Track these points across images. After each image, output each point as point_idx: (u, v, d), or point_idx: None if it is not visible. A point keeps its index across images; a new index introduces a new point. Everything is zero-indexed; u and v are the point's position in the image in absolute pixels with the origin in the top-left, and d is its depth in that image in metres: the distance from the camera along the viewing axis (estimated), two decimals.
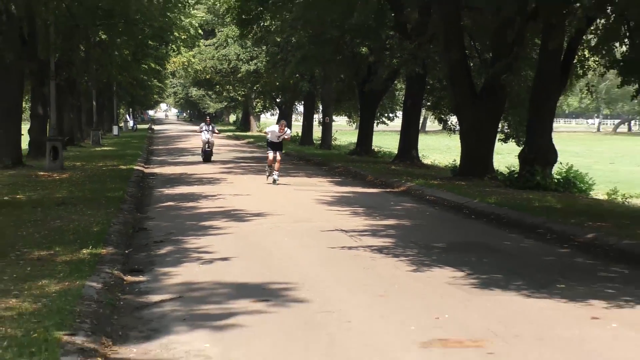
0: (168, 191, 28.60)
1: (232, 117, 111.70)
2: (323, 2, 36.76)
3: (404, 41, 36.80)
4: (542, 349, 8.98)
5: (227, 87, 79.69)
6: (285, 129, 31.39)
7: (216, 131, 42.24)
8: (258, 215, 21.29)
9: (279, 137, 28.06)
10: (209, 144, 40.73)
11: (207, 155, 41.06)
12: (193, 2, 45.38)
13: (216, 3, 44.83)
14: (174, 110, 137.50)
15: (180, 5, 43.44)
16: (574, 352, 8.95)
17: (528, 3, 27.00)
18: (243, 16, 44.65)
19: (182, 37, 52.66)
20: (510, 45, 30.48)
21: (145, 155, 49.74)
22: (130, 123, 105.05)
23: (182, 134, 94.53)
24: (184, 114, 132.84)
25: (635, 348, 9.21)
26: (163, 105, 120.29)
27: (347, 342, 9.20)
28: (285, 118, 59.35)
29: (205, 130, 42.25)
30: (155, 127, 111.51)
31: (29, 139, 39.08)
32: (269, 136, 29.77)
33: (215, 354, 8.49)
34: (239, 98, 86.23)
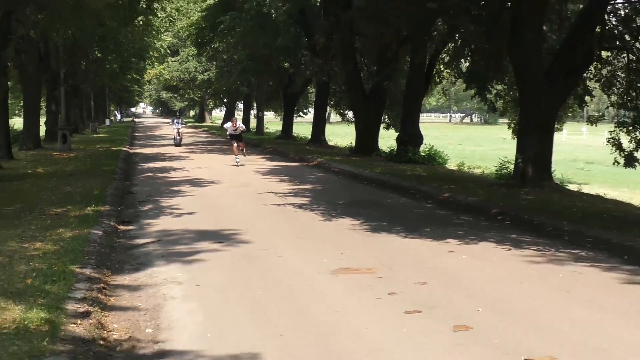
0: (147, 165, 28.87)
1: (192, 112, 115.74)
2: (256, 31, 40.21)
3: (314, 58, 38.66)
4: (416, 273, 9.89)
5: (188, 90, 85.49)
6: (237, 124, 31.25)
7: (183, 124, 44.84)
8: (212, 182, 22.20)
9: (235, 130, 28.36)
10: (179, 133, 42.43)
11: (177, 142, 42.30)
12: (163, 29, 49.36)
13: (180, 30, 48.85)
14: (150, 108, 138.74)
15: (154, 32, 49.45)
16: (438, 274, 9.91)
17: (401, 32, 28.58)
18: (199, 40, 50.15)
19: (155, 55, 59.49)
20: (389, 61, 32.69)
21: (130, 140, 49.77)
22: (118, 117, 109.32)
23: (156, 125, 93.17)
24: (157, 110, 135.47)
25: (478, 270, 10.26)
26: (142, 104, 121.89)
27: (278, 270, 10.20)
28: (229, 114, 74.62)
29: (176, 122, 43.89)
30: (136, 120, 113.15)
31: (45, 129, 41.18)
32: (228, 131, 30.00)
33: (185, 279, 9.50)
34: (196, 99, 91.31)
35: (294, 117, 57.77)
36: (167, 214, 15.57)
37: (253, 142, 48.33)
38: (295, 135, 54.96)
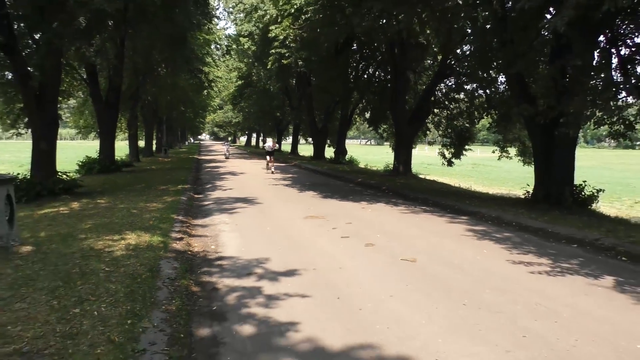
0: (207, 165, 28.50)
1: (229, 138, 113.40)
2: (262, 97, 39.50)
3: (292, 111, 38.50)
4: (346, 218, 9.83)
5: (227, 127, 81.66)
6: (275, 144, 26.88)
7: (230, 144, 37.17)
8: (242, 173, 21.76)
9: (272, 148, 22.76)
10: (228, 152, 36.19)
11: (227, 156, 35.36)
12: (215, 96, 47.34)
13: (224, 96, 46.23)
14: (208, 136, 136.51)
15: (211, 99, 46.54)
16: (357, 219, 9.83)
17: (336, 98, 28.51)
18: (234, 102, 47.11)
19: (211, 109, 57.09)
20: (331, 111, 32.05)
21: (198, 152, 49.21)
22: (191, 140, 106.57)
23: (211, 144, 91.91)
24: (212, 137, 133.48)
25: (377, 216, 10.16)
26: (203, 134, 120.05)
27: (277, 217, 10.12)
28: (249, 139, 72.62)
29: (226, 144, 38.47)
30: (201, 142, 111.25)
31: (155, 146, 39.65)
32: (266, 148, 23.30)
33: (230, 222, 9.44)
34: (231, 131, 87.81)
35: (282, 140, 57.36)
36: (218, 189, 15.31)
37: (261, 153, 47.98)
38: (282, 150, 54.68)
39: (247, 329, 4.31)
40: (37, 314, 4.21)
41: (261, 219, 9.87)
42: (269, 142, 23.19)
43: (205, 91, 35.52)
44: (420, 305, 4.88)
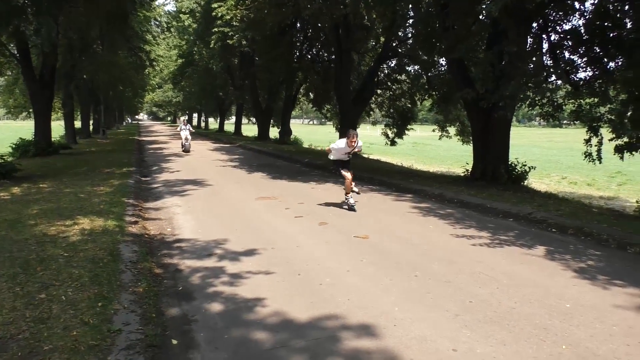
0: (150, 146, 27.94)
1: (169, 118, 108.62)
2: (204, 76, 38.08)
3: (235, 91, 37.96)
4: (298, 198, 10.09)
5: (167, 107, 78.74)
6: (357, 140, 9.53)
7: (191, 130, 24.57)
8: (187, 155, 21.54)
9: (350, 152, 9.69)
10: (186, 139, 23.85)
11: (186, 149, 23.69)
12: (153, 75, 44.92)
13: (163, 70, 44.06)
14: (146, 116, 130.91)
15: (150, 78, 44.01)
16: (308, 198, 10.10)
17: (280, 78, 28.50)
18: (174, 81, 44.84)
19: (150, 88, 53.23)
20: (275, 91, 31.83)
21: (138, 133, 47.71)
22: (129, 120, 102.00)
23: (150, 125, 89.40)
24: (150, 117, 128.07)
25: (327, 195, 10.44)
26: (141, 114, 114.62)
27: (229, 199, 10.25)
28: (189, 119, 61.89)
29: (184, 129, 24.55)
30: (140, 122, 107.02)
31: (92, 127, 38.01)
32: (334, 155, 9.72)
33: (182, 204, 9.47)
34: (172, 111, 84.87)
35: (225, 120, 56.39)
36: (165, 171, 15.16)
37: (203, 134, 47.17)
38: (225, 130, 53.85)
39: (216, 307, 4.51)
40: (2, 301, 4.21)
41: (214, 201, 9.95)
42: (343, 143, 9.15)
43: (147, 70, 34.28)
44: (376, 278, 5.25)
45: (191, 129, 23.47)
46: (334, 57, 23.53)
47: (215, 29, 24.61)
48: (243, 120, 46.75)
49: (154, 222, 8.05)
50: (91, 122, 38.37)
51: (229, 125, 56.90)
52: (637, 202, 9.86)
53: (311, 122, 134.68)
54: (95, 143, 28.44)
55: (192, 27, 33.60)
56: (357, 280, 5.19)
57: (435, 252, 6.30)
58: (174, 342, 3.85)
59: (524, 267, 5.72)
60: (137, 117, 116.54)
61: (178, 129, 23.26)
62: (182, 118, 28.65)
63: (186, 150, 22.73)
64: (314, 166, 17.12)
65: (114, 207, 8.30)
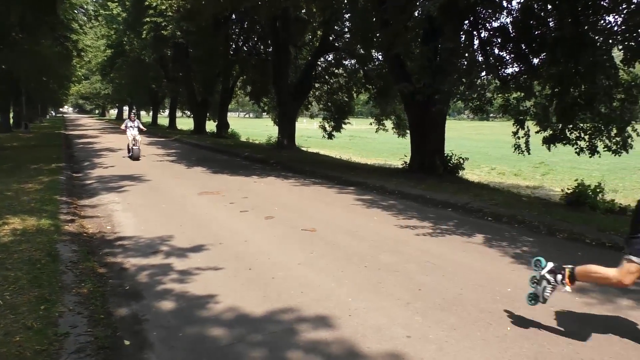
0: (79, 140, 26.50)
1: (97, 111, 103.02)
2: (136, 67, 36.08)
3: (169, 84, 36.86)
4: (241, 193, 9.99)
5: (95, 99, 74.86)
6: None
7: (143, 128, 18.61)
8: (120, 149, 20.32)
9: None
10: (135, 141, 17.35)
11: (134, 155, 16.92)
12: (79, 66, 41.44)
13: (91, 62, 41.49)
14: (71, 109, 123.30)
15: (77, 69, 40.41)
16: (252, 193, 10.00)
17: (217, 70, 27.87)
18: (103, 72, 42.73)
19: (75, 79, 48.65)
20: (211, 84, 30.54)
21: (64, 126, 45.08)
22: (53, 113, 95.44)
23: (77, 118, 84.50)
24: (76, 110, 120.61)
25: (271, 190, 10.45)
26: (66, 106, 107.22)
27: (170, 194, 9.98)
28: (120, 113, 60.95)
29: (131, 127, 17.84)
30: (65, 115, 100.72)
31: (13, 121, 35.31)
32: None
33: (121, 200, 9.12)
34: (100, 104, 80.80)
35: (158, 113, 54.46)
36: (98, 167, 14.56)
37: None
38: (159, 124, 52.08)
39: (167, 305, 4.39)
40: None
41: (154, 197, 9.65)
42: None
43: (74, 61, 32.42)
44: (327, 271, 5.30)
45: (142, 126, 17.47)
46: (271, 50, 23.40)
47: (147, 19, 23.74)
48: (177, 114, 45.42)
49: (92, 220, 7.70)
50: (11, 115, 35.87)
51: (163, 119, 55.10)
52: (562, 190, 10.54)
53: (247, 115, 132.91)
54: (18, 137, 26.60)
55: (121, 16, 32.17)
56: (309, 272, 5.22)
57: (382, 243, 6.45)
58: (127, 342, 3.71)
59: (466, 255, 5.98)
60: (61, 110, 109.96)
61: (122, 126, 16.84)
62: (130, 112, 16.91)
63: (135, 157, 16.26)
64: (254, 160, 17.00)
65: (46, 205, 7.86)
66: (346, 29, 20.99)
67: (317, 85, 24.81)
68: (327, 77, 24.29)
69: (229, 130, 31.36)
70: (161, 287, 4.82)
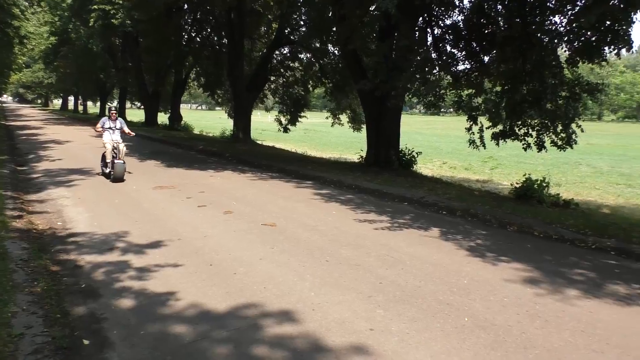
0: (21, 132, 25.17)
1: (39, 101, 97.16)
2: (83, 57, 34.64)
3: (118, 74, 35.52)
4: (198, 187, 9.82)
5: (37, 89, 70.71)
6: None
7: (129, 132, 11.45)
8: (67, 141, 19.66)
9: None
10: (117, 150, 10.60)
11: (117, 172, 10.28)
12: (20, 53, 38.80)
13: (34, 49, 38.89)
14: (10, 98, 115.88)
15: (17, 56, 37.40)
16: (209, 187, 9.85)
17: (167, 61, 27.24)
18: (47, 60, 40.54)
19: (16, 67, 45.42)
20: (163, 75, 29.92)
21: (4, 117, 42.32)
22: None
23: (17, 108, 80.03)
24: (16, 99, 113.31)
25: (228, 184, 10.33)
26: (5, 95, 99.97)
27: (123, 189, 9.69)
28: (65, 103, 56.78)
29: (110, 128, 11.02)
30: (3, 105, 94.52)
31: None
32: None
33: (71, 195, 8.77)
34: (43, 93, 76.33)
35: (106, 104, 52.28)
36: (45, 160, 13.86)
37: (82, 119, 43.60)
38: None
39: (126, 303, 4.30)
40: None
41: (106, 191, 9.36)
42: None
43: (16, 48, 30.71)
44: (289, 265, 5.33)
45: (128, 129, 11.50)
46: (225, 41, 23.05)
47: (95, 6, 22.90)
48: (127, 105, 43.96)
49: (41, 215, 7.39)
50: None
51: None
52: (510, 184, 10.97)
53: (200, 107, 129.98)
54: None
55: (66, 2, 30.81)
56: (271, 268, 5.23)
57: (342, 237, 6.53)
58: (86, 342, 3.62)
59: (423, 248, 6.15)
60: (0, 99, 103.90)
61: (98, 127, 11.21)
62: (110, 106, 13.45)
63: (118, 176, 10.42)
64: (210, 153, 16.75)
65: None
66: (302, 23, 20.94)
67: (272, 78, 24.64)
68: (282, 70, 24.16)
69: (182, 122, 30.68)
70: (119, 284, 4.71)
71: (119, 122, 11.23)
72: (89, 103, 68.47)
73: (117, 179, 10.34)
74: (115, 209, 7.88)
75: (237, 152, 16.22)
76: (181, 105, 34.48)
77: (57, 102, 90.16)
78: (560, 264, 5.70)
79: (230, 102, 27.16)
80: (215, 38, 26.64)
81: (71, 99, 70.39)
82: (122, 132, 11.20)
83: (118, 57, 35.32)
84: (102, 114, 48.15)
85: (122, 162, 10.47)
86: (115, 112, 11.54)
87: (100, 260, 5.36)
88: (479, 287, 4.88)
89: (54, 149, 16.94)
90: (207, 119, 56.29)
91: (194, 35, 27.78)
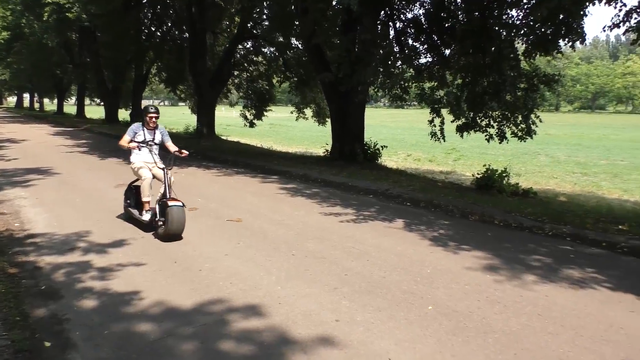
0: None
1: None
2: (37, 52, 33.12)
3: (75, 69, 34.52)
4: (159, 184, 10.08)
5: None
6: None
7: (181, 151, 6.63)
8: (23, 140, 19.10)
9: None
10: (165, 182, 6.12)
11: (175, 222, 5.76)
12: None
13: None
14: None
15: None
16: (174, 184, 10.15)
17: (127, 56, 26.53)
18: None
19: None
20: (122, 71, 29.25)
21: None
22: None
23: None
24: None
25: (193, 180, 10.08)
26: None
27: (83, 187, 9.52)
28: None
29: (147, 143, 6.45)
30: None
31: None
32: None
33: (28, 196, 8.52)
34: None
35: (64, 101, 50.66)
36: (0, 159, 13.33)
37: (40, 116, 42.18)
38: (65, 112, 48.36)
39: (89, 303, 4.23)
40: None
41: (66, 191, 9.13)
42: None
43: None
44: (255, 260, 5.35)
45: (172, 144, 6.95)
46: (187, 36, 22.69)
47: (48, 0, 22.16)
48: (86, 102, 42.68)
49: None
50: None
51: (70, 107, 51.60)
52: (472, 175, 11.24)
53: (162, 103, 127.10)
54: None
55: None
56: (236, 263, 5.24)
57: (308, 230, 6.58)
58: (47, 344, 3.55)
59: (387, 240, 6.26)
60: None
61: (126, 140, 6.61)
62: (147, 106, 6.97)
63: (176, 229, 5.94)
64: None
65: None
66: (265, 17, 20.80)
67: (236, 72, 24.42)
68: (246, 64, 23.98)
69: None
70: (81, 285, 4.63)
71: (160, 133, 6.78)
72: (46, 100, 66.24)
73: (175, 233, 5.94)
74: (75, 209, 7.71)
75: (202, 148, 16.02)
76: (143, 102, 33.74)
77: (12, 100, 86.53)
78: (519, 251, 5.91)
79: (193, 97, 26.79)
80: (177, 32, 26.19)
81: (26, 96, 67.82)
82: (164, 149, 6.84)
83: (75, 52, 34.28)
84: (60, 111, 46.60)
85: (180, 203, 5.94)
86: (156, 114, 6.65)
87: (60, 261, 5.25)
88: (441, 275, 5.02)
89: (9, 148, 16.35)
90: (171, 115, 55.25)
91: (154, 29, 27.25)
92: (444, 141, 11.79)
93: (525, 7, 10.90)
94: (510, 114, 11.44)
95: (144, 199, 6.58)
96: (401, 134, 36.00)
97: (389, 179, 10.48)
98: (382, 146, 14.07)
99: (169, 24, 26.48)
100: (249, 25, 21.04)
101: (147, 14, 26.58)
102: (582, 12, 10.07)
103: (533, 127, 11.33)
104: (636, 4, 9.37)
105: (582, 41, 10.57)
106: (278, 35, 19.57)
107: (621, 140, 32.42)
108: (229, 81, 23.50)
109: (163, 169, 6.47)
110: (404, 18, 13.96)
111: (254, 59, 23.54)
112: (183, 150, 6.83)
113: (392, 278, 4.90)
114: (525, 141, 11.40)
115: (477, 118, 11.86)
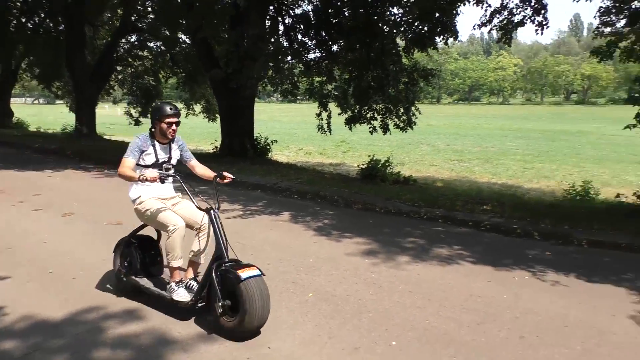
0: None
1: None
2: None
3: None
4: (32, 190, 8.83)
5: None
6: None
7: (228, 176, 4.14)
8: None
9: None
10: (227, 243, 3.79)
11: (255, 313, 3.34)
12: None
13: None
14: None
15: None
16: (47, 188, 8.92)
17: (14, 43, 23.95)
18: None
19: None
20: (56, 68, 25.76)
21: None
22: None
23: None
24: None
25: (68, 184, 9.44)
26: None
27: None
28: None
29: (163, 165, 4.13)
30: None
31: None
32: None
33: None
34: None
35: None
36: None
37: None
38: None
39: None
40: None
41: None
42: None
43: None
44: None
45: (205, 169, 4.64)
46: (62, 28, 21.07)
47: None
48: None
49: None
50: None
51: None
52: (358, 166, 11.71)
53: (37, 102, 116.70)
54: None
55: None
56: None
57: None
58: None
59: (274, 233, 6.35)
60: None
61: (128, 167, 4.25)
62: (163, 110, 3.93)
63: (259, 322, 3.51)
64: (47, 152, 15.25)
65: None
66: (150, 10, 19.90)
67: (119, 68, 23.16)
68: (130, 59, 22.81)
69: (14, 119, 27.30)
70: None
71: (178, 148, 4.49)
72: None
73: (259, 325, 3.59)
74: None
75: (81, 149, 14.97)
76: (13, 100, 30.77)
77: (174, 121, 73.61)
78: (396, 234, 6.30)
79: (71, 94, 24.94)
80: (52, 24, 24.16)
81: None
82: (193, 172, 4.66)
83: None
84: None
85: (257, 271, 3.65)
86: (177, 119, 4.16)
87: None
88: (323, 263, 5.20)
89: None
90: (47, 114, 51.04)
91: (24, 20, 24.87)
92: (330, 134, 12.15)
93: (406, 5, 11.56)
94: (393, 106, 12.10)
95: (174, 263, 4.04)
96: (293, 128, 36.40)
97: (278, 173, 10.58)
98: (272, 141, 14.14)
99: (42, 15, 24.35)
100: (132, 18, 20.04)
101: (15, 3, 24.22)
102: (454, 12, 10.94)
103: (413, 118, 12.08)
104: (499, 5, 10.39)
105: (456, 38, 11.48)
106: (164, 29, 18.84)
107: (492, 129, 35.48)
108: (111, 77, 22.21)
109: (209, 210, 4.09)
110: (293, 14, 14.13)
111: (139, 53, 22.47)
112: (225, 173, 4.30)
113: (277, 269, 4.99)
114: (406, 132, 12.09)
115: (363, 111, 12.39)
